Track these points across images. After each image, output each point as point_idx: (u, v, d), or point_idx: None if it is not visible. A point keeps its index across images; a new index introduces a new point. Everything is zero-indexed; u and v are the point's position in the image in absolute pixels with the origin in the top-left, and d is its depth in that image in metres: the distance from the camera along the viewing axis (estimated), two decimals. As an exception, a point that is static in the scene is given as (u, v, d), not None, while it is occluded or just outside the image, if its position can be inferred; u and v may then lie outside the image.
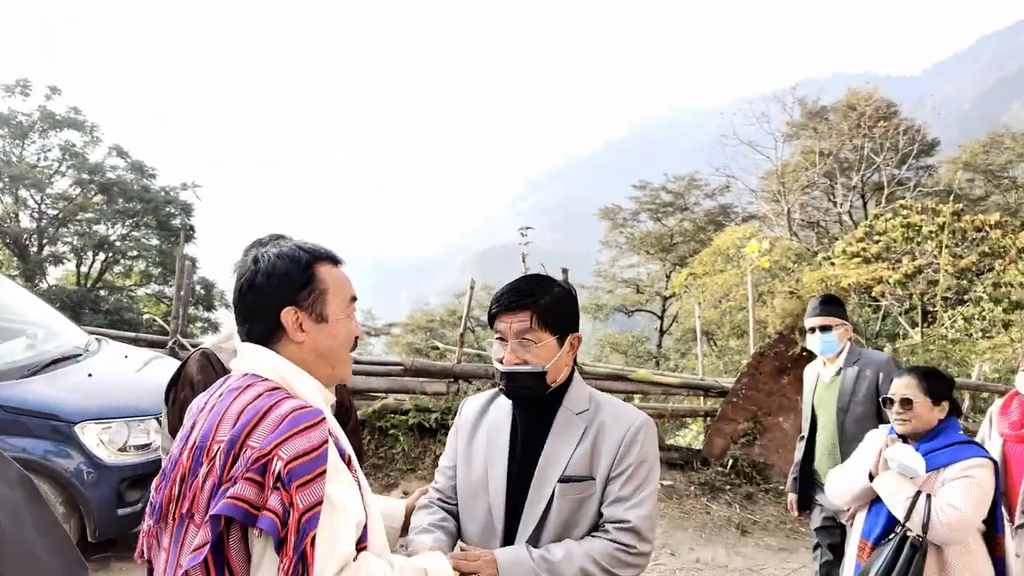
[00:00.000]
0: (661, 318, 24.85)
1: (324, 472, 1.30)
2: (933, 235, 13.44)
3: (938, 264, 13.00)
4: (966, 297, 12.48)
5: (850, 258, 14.15)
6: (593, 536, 1.81)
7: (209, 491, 1.30)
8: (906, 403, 2.84)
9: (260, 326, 1.49)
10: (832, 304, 3.97)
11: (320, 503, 1.27)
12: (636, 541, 1.80)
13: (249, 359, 1.49)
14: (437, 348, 12.25)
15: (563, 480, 1.84)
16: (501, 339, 1.93)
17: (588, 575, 1.74)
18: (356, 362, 7.34)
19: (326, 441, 1.33)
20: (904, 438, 2.90)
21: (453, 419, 6.60)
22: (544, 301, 1.90)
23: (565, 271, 7.65)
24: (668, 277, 24.29)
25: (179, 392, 2.53)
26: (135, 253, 18.41)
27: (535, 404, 1.93)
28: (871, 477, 2.83)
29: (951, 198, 15.44)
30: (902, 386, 2.89)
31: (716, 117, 30.45)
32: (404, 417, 6.71)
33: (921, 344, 11.89)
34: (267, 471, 1.26)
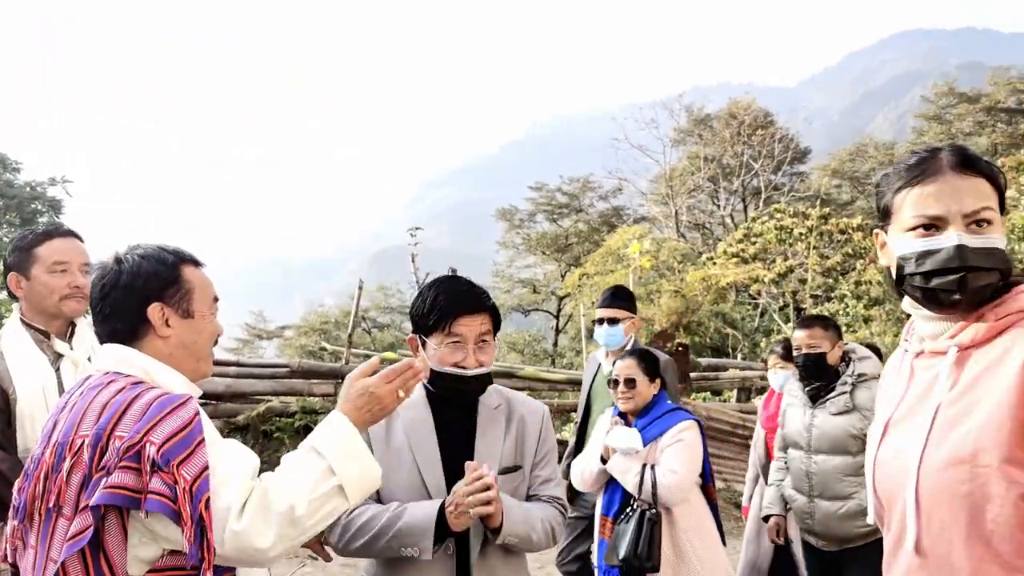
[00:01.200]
0: (557, 317, 25.37)
1: (202, 441, 1.36)
2: (803, 237, 14.43)
3: (808, 264, 13.97)
4: (832, 295, 13.47)
5: (730, 258, 14.97)
6: (539, 503, 2.00)
7: (78, 484, 1.34)
8: (630, 383, 3.10)
9: (125, 323, 1.54)
10: (621, 297, 3.92)
11: (206, 469, 1.33)
12: (565, 512, 2.06)
13: (111, 358, 1.52)
14: (325, 349, 12.03)
15: (501, 472, 1.93)
16: (457, 343, 1.90)
17: (545, 528, 1.94)
18: (240, 365, 7.14)
19: (197, 414, 1.38)
20: (624, 416, 3.18)
21: None
22: (492, 303, 1.98)
23: (453, 270, 7.70)
24: (563, 277, 24.82)
25: None
26: (-5, 253, 17.02)
27: (462, 404, 1.97)
28: (603, 460, 3.09)
29: (820, 203, 16.63)
30: (625, 368, 3.14)
31: (609, 121, 31.39)
32: (290, 420, 6.58)
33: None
34: (141, 458, 1.31)
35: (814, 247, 13.83)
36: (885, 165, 33.34)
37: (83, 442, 1.35)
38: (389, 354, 7.11)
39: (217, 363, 7.16)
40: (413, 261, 12.13)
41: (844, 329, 13.01)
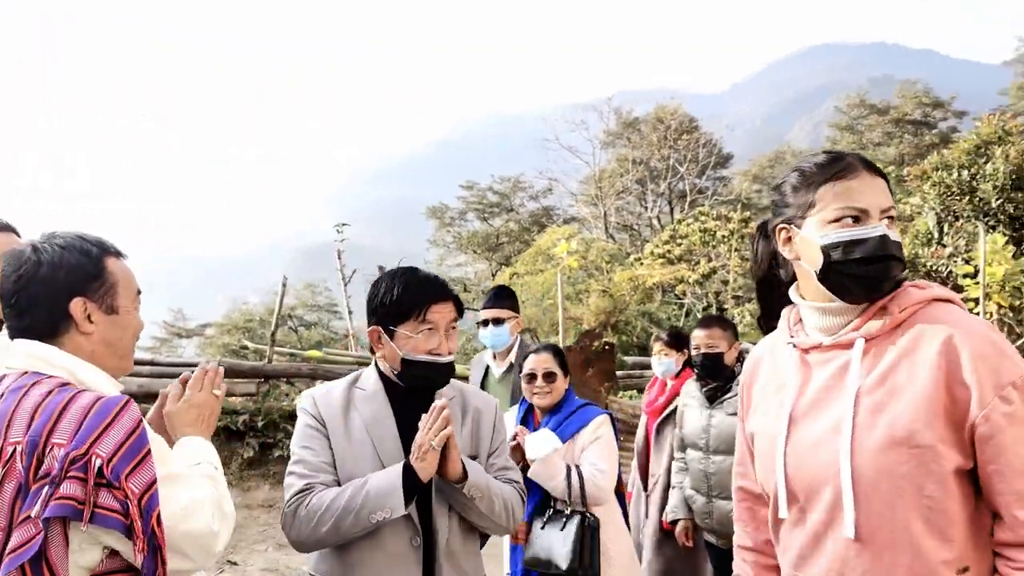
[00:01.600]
0: (487, 316, 25.33)
1: (149, 452, 1.33)
2: (726, 239, 14.91)
3: (730, 266, 14.44)
4: (751, 295, 13.96)
5: (657, 259, 15.33)
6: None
7: (12, 493, 1.28)
8: (550, 377, 3.00)
9: (43, 318, 1.44)
10: (504, 296, 3.78)
11: (154, 482, 1.32)
12: (523, 497, 2.07)
13: (27, 356, 1.43)
14: (247, 348, 11.69)
15: None
16: (431, 330, 1.89)
17: (507, 503, 1.96)
18: (155, 364, 6.88)
19: (140, 421, 1.35)
20: (527, 423, 3.07)
21: (263, 420, 6.38)
22: (455, 292, 2.01)
23: (381, 268, 7.62)
24: (494, 276, 24.88)
25: None
26: None
27: (422, 395, 1.93)
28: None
29: (741, 207, 17.21)
30: (543, 361, 3.03)
31: (539, 121, 31.65)
32: None
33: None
34: (88, 469, 1.27)
35: (736, 249, 14.31)
36: (802, 172, 34.63)
37: (15, 449, 1.29)
38: (314, 352, 6.97)
39: None
40: (339, 258, 11.93)
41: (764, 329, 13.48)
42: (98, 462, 1.27)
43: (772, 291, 1.58)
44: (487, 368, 3.81)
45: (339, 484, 1.85)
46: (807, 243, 1.38)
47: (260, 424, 6.28)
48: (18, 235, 2.29)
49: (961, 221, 9.97)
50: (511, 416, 3.13)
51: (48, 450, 1.27)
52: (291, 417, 6.63)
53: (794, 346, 1.44)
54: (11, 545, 1.25)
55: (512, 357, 3.68)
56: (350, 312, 12.59)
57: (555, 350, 3.14)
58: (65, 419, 1.29)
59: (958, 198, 10.09)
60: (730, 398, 3.18)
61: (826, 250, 1.34)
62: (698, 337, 3.30)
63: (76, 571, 1.30)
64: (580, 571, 2.72)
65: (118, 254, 1.55)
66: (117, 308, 1.50)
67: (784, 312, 1.53)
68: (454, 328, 1.95)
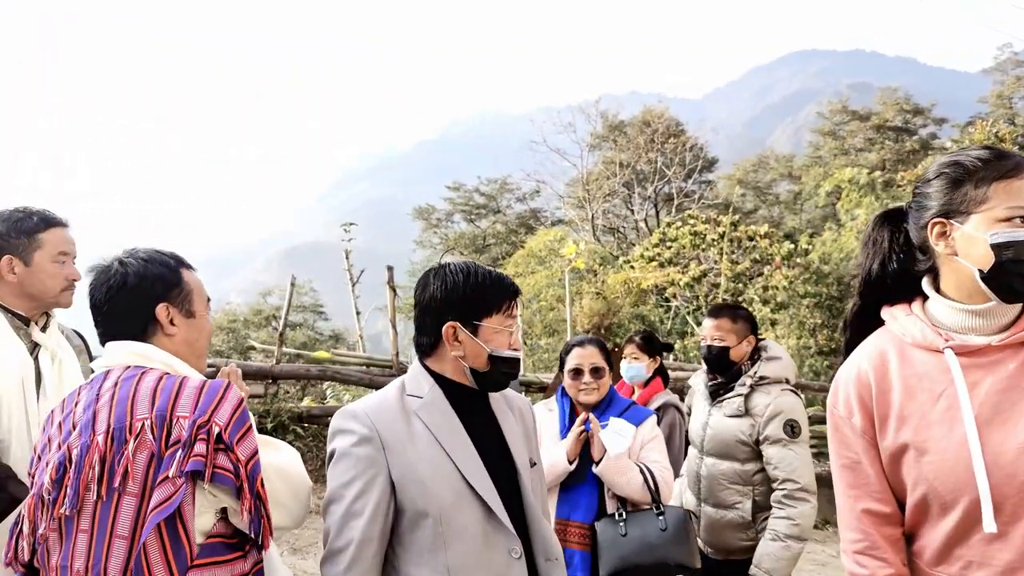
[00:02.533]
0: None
1: (251, 426, 1.55)
2: (715, 243, 15.02)
3: (719, 268, 14.56)
4: (741, 298, 14.10)
5: (648, 262, 15.40)
6: None
7: (145, 461, 1.46)
8: (597, 372, 2.80)
9: (134, 322, 1.65)
10: None
11: (257, 452, 1.53)
12: None
13: (128, 353, 1.63)
14: (254, 348, 11.50)
15: (532, 465, 1.90)
16: (513, 323, 1.84)
17: None
18: None
19: (242, 400, 1.58)
20: (573, 411, 2.86)
21: (271, 422, 6.31)
22: None
23: (390, 268, 7.60)
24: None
25: None
26: None
27: (481, 395, 1.87)
28: (570, 460, 2.66)
29: (730, 210, 17.36)
30: (590, 356, 2.82)
31: (525, 123, 31.68)
32: None
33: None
34: (209, 435, 1.47)
35: (725, 253, 14.44)
36: (785, 176, 35.24)
37: (143, 424, 1.48)
38: (322, 353, 6.91)
39: None
40: (347, 258, 11.77)
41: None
42: (216, 429, 1.48)
43: (880, 287, 1.52)
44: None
45: (386, 530, 1.66)
46: (971, 240, 1.34)
47: (269, 426, 6.19)
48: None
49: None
50: (544, 409, 2.95)
51: (175, 422, 1.48)
52: (300, 419, 6.59)
53: (932, 348, 1.38)
54: (153, 503, 1.43)
55: None
56: (358, 313, 12.47)
57: (600, 344, 2.92)
58: (183, 396, 1.51)
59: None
60: (730, 398, 2.97)
61: (997, 249, 1.30)
62: (706, 327, 3.10)
63: (196, 535, 1.49)
64: (688, 566, 2.51)
65: (190, 267, 1.76)
66: (194, 312, 1.72)
67: (898, 313, 1.47)
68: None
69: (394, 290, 7.40)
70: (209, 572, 1.48)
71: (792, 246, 14.75)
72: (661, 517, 2.55)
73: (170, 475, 1.43)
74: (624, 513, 2.59)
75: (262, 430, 6.18)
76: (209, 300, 1.78)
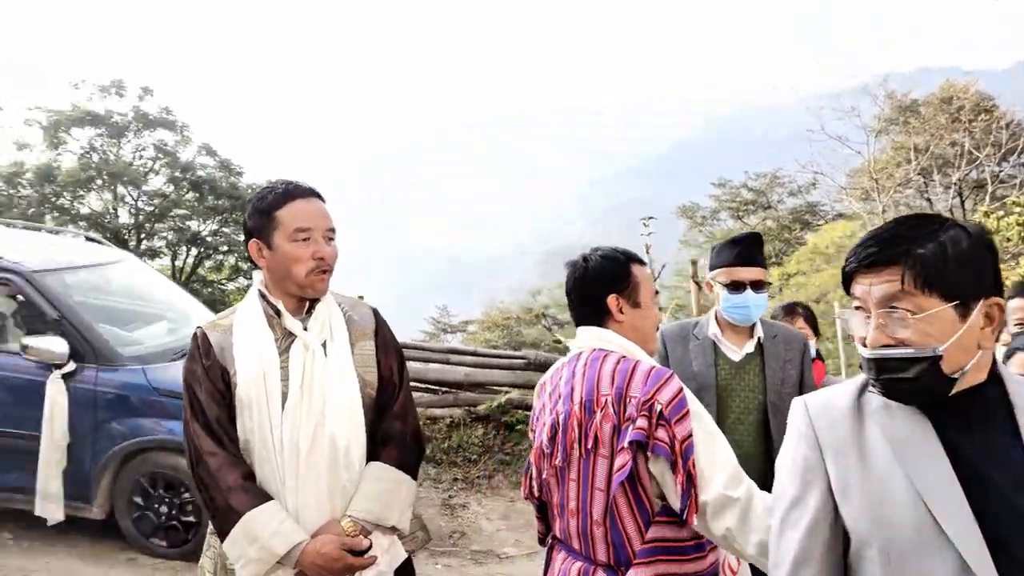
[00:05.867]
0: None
1: (688, 412, 1.74)
2: (1053, 234, 12.47)
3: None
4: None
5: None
6: None
7: (610, 431, 1.77)
8: None
9: (592, 310, 1.96)
10: (760, 249, 2.78)
11: (691, 435, 1.72)
12: None
13: (593, 337, 1.95)
14: (560, 342, 11.75)
15: None
16: (860, 308, 1.30)
17: None
18: (475, 354, 7.23)
19: (681, 390, 1.77)
20: None
21: None
22: (926, 250, 1.23)
23: (694, 262, 7.45)
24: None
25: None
26: (225, 248, 18.96)
27: (943, 404, 1.26)
28: None
29: (1072, 195, 14.32)
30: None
31: (789, 113, 29.39)
32: (529, 413, 6.45)
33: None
34: (652, 412, 1.72)
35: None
36: None
37: (606, 399, 1.79)
38: None
39: (455, 352, 7.36)
40: (648, 251, 11.44)
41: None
42: (658, 407, 1.72)
43: None
44: (713, 347, 2.75)
45: (840, 562, 1.31)
46: None
47: None
48: (322, 200, 2.07)
49: None
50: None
51: (628, 400, 1.76)
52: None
53: None
54: (615, 467, 1.75)
55: (759, 334, 2.72)
56: (661, 309, 12.41)
57: None
58: (635, 378, 1.78)
59: None
60: None
61: None
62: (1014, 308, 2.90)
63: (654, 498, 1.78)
64: None
65: (640, 262, 2.02)
66: (640, 303, 1.97)
67: None
68: (896, 307, 1.27)
69: (699, 285, 7.38)
70: (668, 528, 1.76)
71: None
72: None
73: (625, 445, 1.73)
74: None
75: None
76: (657, 293, 2.07)
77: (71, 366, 4.40)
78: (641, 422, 1.71)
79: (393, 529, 2.07)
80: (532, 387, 6.98)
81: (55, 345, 4.36)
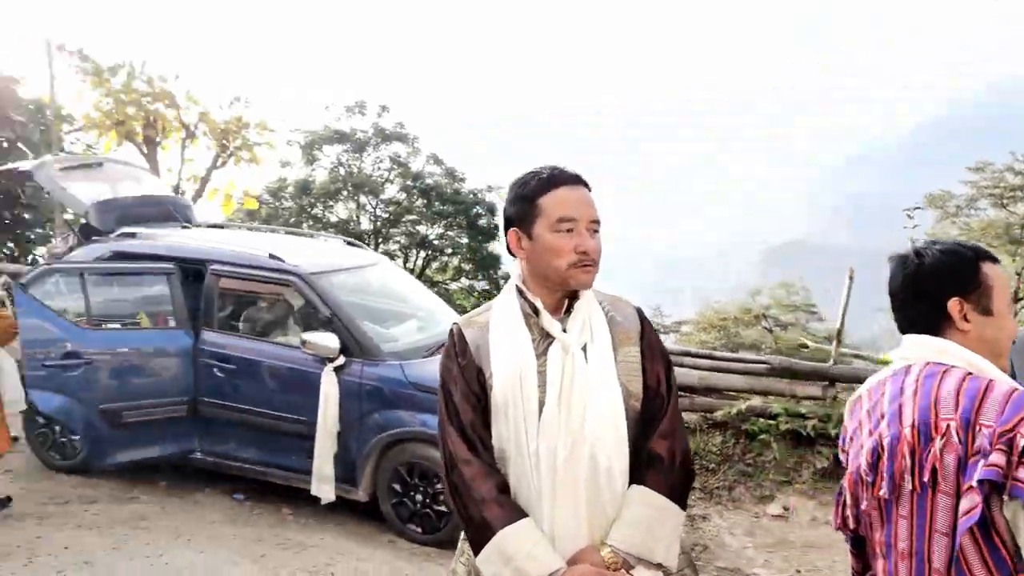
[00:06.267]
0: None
1: None
2: None
3: None
4: None
5: None
6: None
7: (954, 464, 1.46)
8: None
9: (926, 315, 1.63)
10: None
11: None
12: None
13: (926, 348, 1.62)
14: (806, 346, 11.04)
15: None
16: None
17: None
18: (711, 358, 6.93)
19: None
20: None
21: (835, 427, 5.88)
22: None
23: (851, 270, 6.59)
24: (1019, 275, 20.32)
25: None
26: (450, 250, 20.18)
27: None
28: None
29: None
30: None
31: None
32: (773, 421, 6.07)
33: None
34: (1013, 446, 1.40)
35: None
36: None
37: (948, 425, 1.47)
38: (887, 356, 6.29)
39: (689, 355, 7.12)
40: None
41: None
42: (1021, 441, 1.39)
43: None
44: None
45: None
46: None
47: (830, 430, 5.77)
48: (588, 188, 1.92)
49: None
50: None
51: (978, 429, 1.44)
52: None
53: None
54: (961, 509, 1.45)
55: None
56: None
57: None
58: (987, 402, 1.45)
59: None
60: None
61: None
62: None
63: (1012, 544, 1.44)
64: None
65: (993, 259, 1.64)
66: (992, 310, 1.61)
67: None
68: None
69: None
70: None
71: None
72: None
73: (974, 484, 1.42)
74: None
75: (823, 435, 5.84)
76: (1020, 300, 1.63)
77: (341, 360, 4.82)
78: (996, 457, 1.40)
79: (659, 566, 1.82)
80: (773, 394, 6.53)
81: (329, 341, 4.80)
